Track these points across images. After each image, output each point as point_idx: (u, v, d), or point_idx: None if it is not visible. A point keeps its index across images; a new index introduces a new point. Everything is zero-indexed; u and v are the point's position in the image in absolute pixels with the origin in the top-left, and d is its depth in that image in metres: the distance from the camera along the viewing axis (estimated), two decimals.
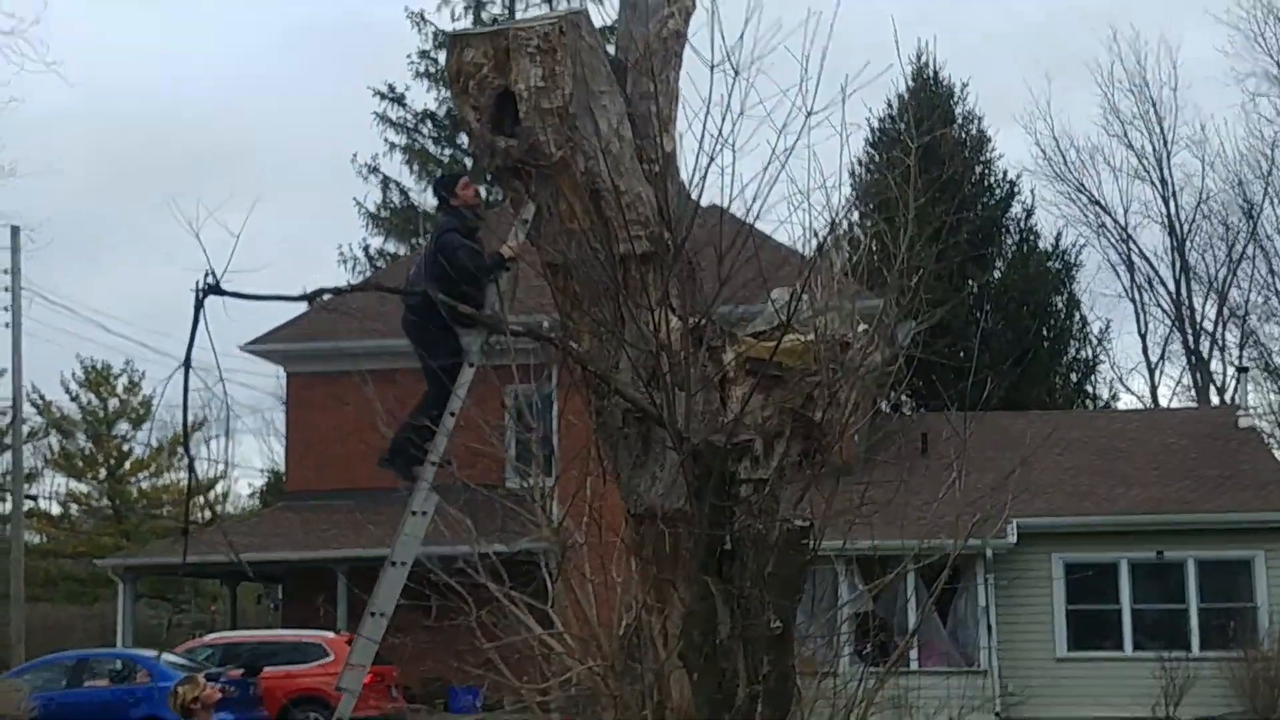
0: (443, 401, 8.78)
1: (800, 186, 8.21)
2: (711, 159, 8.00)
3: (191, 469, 11.38)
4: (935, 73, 44.72)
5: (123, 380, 57.28)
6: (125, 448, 58.67)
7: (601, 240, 8.39)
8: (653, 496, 8.26)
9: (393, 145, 48.73)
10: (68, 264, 73.13)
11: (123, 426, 58.47)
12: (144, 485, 58.54)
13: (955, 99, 44.36)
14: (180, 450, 59.14)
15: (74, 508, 59.61)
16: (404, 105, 49.21)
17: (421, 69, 48.42)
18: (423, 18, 48.44)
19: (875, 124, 41.29)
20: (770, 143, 7.88)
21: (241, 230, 7.45)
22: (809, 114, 7.91)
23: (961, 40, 71.47)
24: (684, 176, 8.52)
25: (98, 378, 57.63)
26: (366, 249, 48.91)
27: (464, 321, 8.74)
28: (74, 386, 56.99)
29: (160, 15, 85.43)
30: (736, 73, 7.86)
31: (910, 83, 43.49)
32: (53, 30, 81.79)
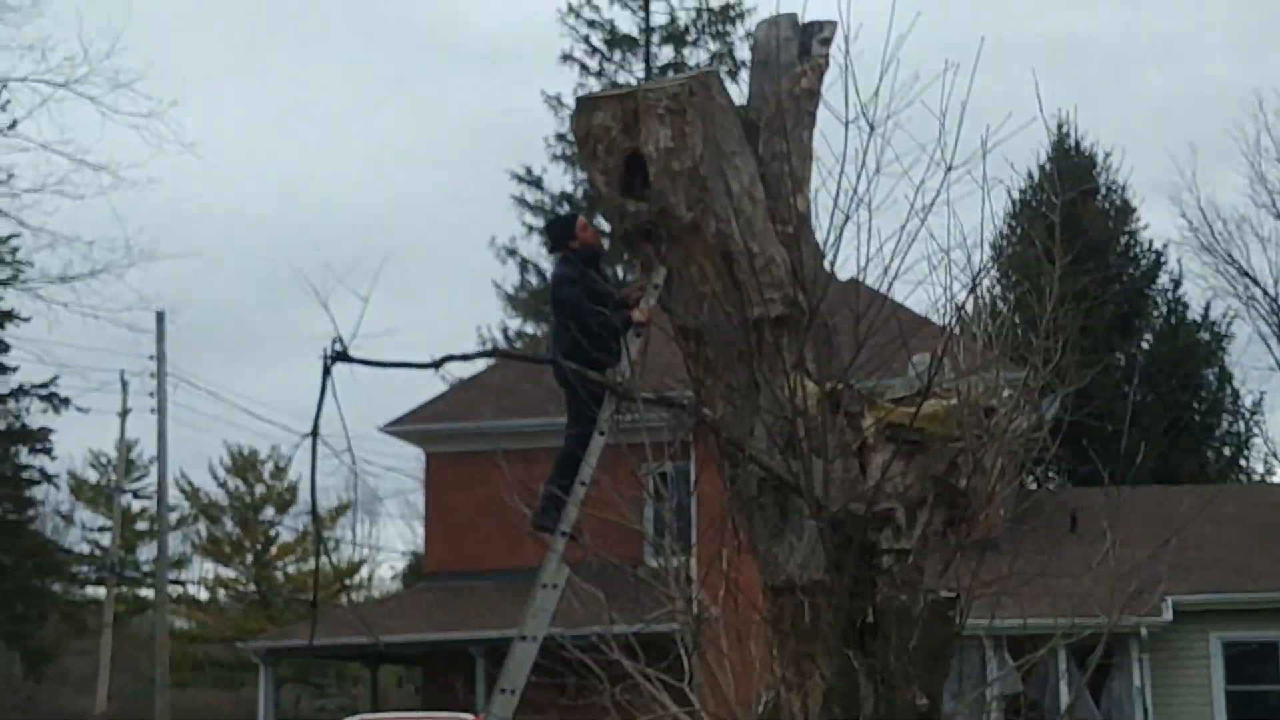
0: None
1: (940, 245, 7.94)
2: (847, 217, 7.82)
3: (319, 539, 11.27)
4: (1076, 142, 44.13)
5: (269, 466, 57.87)
6: (271, 533, 59.20)
7: (734, 304, 8.23)
8: (791, 567, 8.04)
9: (530, 228, 49.06)
10: (214, 350, 74.46)
11: (269, 512, 59.05)
12: (289, 570, 58.99)
13: (1098, 169, 43.74)
14: (324, 534, 59.74)
15: (221, 593, 60.22)
16: (541, 188, 49.59)
17: (558, 152, 48.75)
18: (559, 101, 48.84)
19: (1016, 195, 40.76)
20: (908, 197, 7.68)
21: (370, 294, 7.32)
22: (948, 169, 7.71)
23: (1102, 112, 70.60)
24: (819, 237, 8.32)
25: (244, 464, 58.31)
26: (505, 330, 49.16)
27: (594, 389, 8.56)
28: (221, 473, 57.70)
29: (300, 107, 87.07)
30: (872, 128, 7.70)
31: (1051, 153, 42.95)
32: (195, 122, 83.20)
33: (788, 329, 8.23)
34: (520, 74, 77.08)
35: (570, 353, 8.68)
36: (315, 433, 7.66)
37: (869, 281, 7.94)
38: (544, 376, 9.47)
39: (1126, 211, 44.95)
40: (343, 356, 7.64)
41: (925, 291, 8.13)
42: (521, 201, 49.44)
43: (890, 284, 7.82)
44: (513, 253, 49.82)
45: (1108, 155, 44.49)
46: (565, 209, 49.01)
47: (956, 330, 8.60)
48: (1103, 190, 44.07)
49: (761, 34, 8.82)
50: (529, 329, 49.04)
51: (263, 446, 57.83)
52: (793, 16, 8.75)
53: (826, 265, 8.18)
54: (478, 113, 79.79)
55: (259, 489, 58.42)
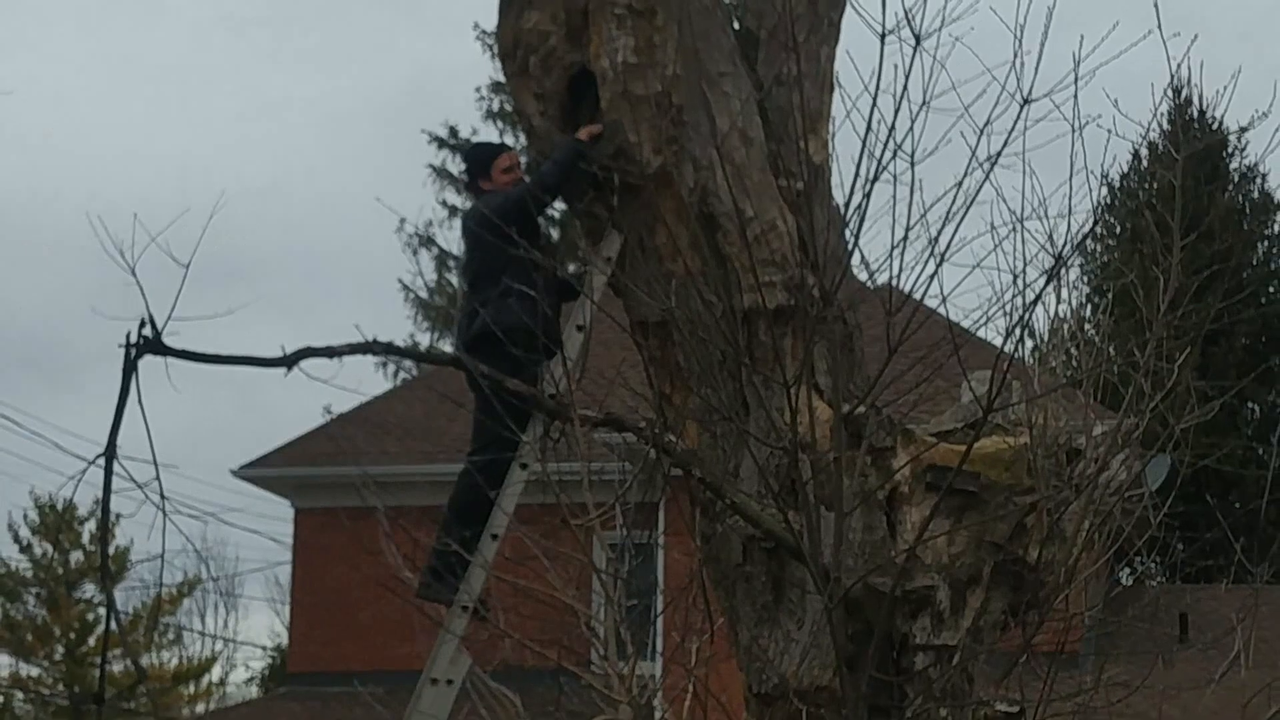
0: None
1: (1011, 210, 7.72)
2: (880, 169, 7.51)
3: (111, 605, 10.93)
4: (1201, 112, 44.10)
5: (90, 526, 57.31)
6: (89, 616, 58.68)
7: (717, 288, 8.16)
8: (785, 665, 7.94)
9: (453, 209, 48.71)
10: (25, 369, 74.05)
11: (88, 589, 58.48)
12: (115, 668, 58.50)
13: (1229, 151, 43.69)
14: (168, 627, 59.29)
15: (18, 696, 59.76)
16: None
17: (494, 105, 48.52)
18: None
19: (1115, 180, 40.68)
20: (968, 140, 7.41)
21: (194, 255, 7.23)
22: (1026, 101, 7.47)
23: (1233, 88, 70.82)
24: (839, 197, 8.14)
25: (57, 521, 57.68)
26: (415, 346, 48.71)
27: (512, 401, 8.36)
28: (25, 532, 57.18)
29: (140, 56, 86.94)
30: (918, 41, 7.42)
31: (1165, 125, 42.93)
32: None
33: (791, 326, 8.15)
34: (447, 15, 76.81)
35: (484, 340, 8.48)
36: (110, 453, 7.49)
37: (909, 261, 7.67)
38: (464, 407, 9.24)
39: (1267, 209, 44.87)
40: (153, 346, 7.48)
41: (985, 276, 7.83)
42: (442, 173, 49.14)
43: (939, 264, 7.53)
44: (429, 243, 49.54)
45: (1244, 130, 44.43)
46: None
47: (1029, 340, 8.38)
48: (1234, 178, 43.98)
49: None
50: (450, 346, 48.78)
51: (84, 498, 57.39)
52: None
53: (849, 237, 7.87)
54: (390, 66, 79.58)
55: (76, 556, 57.93)
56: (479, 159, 9.51)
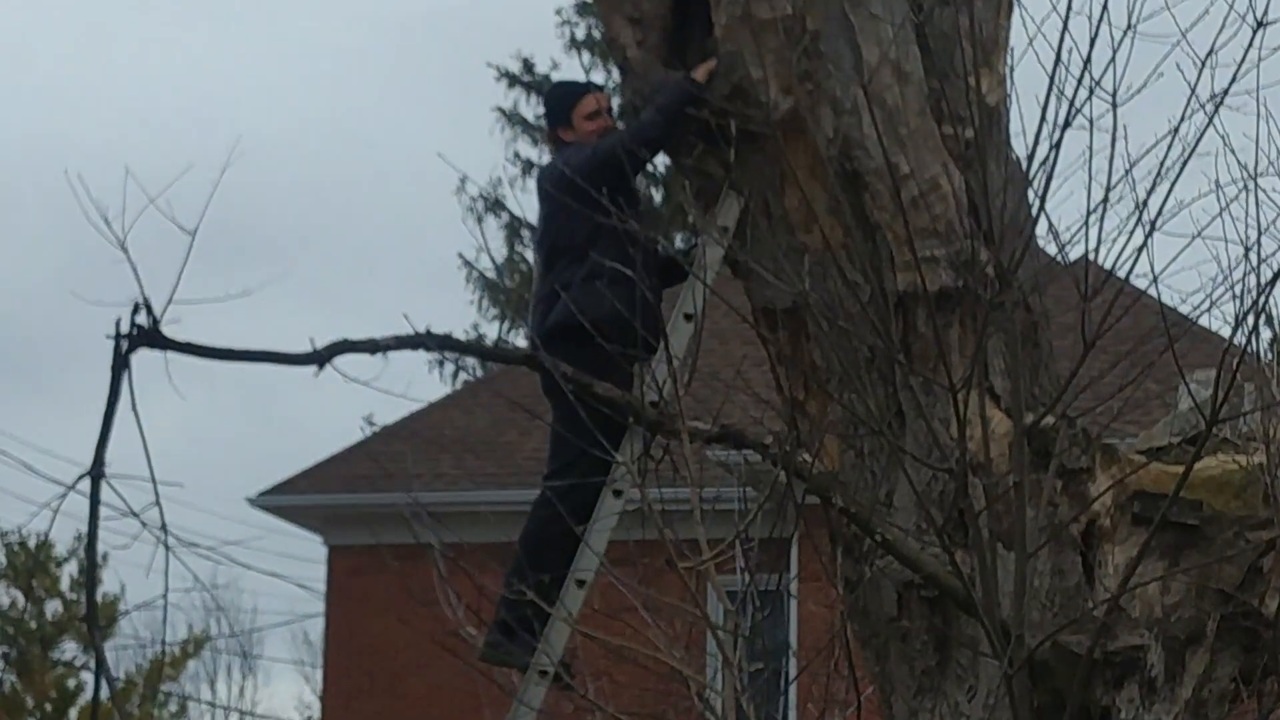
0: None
1: (1243, 166, 7.69)
2: (1074, 112, 7.50)
3: (100, 667, 11.04)
4: None
5: (71, 568, 57.70)
6: (70, 682, 59.19)
7: (864, 266, 8.17)
8: None
9: (528, 165, 48.83)
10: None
11: (68, 648, 58.88)
12: None
13: None
14: (169, 696, 59.79)
15: None
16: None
17: (580, 33, 48.67)
18: None
19: None
20: (1185, 76, 7.39)
21: (200, 220, 7.32)
22: (1260, 25, 7.45)
23: None
24: (1020, 149, 8.13)
25: (29, 563, 58.11)
26: (480, 337, 48.84)
27: (601, 410, 8.41)
28: None
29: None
30: None
31: None
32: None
33: (959, 314, 8.20)
34: None
35: (566, 333, 8.53)
36: (97, 473, 7.57)
37: (1110, 231, 7.73)
38: (540, 419, 9.27)
39: None
40: (150, 337, 7.58)
41: (1209, 249, 7.84)
42: (514, 119, 49.28)
43: (1148, 234, 7.56)
44: (497, 208, 49.67)
45: None
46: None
47: (1266, 330, 8.36)
48: None
49: None
50: (522, 341, 48.82)
51: (63, 532, 57.79)
52: None
53: (1033, 199, 7.89)
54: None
55: (53, 606, 58.39)
56: (558, 102, 9.50)
